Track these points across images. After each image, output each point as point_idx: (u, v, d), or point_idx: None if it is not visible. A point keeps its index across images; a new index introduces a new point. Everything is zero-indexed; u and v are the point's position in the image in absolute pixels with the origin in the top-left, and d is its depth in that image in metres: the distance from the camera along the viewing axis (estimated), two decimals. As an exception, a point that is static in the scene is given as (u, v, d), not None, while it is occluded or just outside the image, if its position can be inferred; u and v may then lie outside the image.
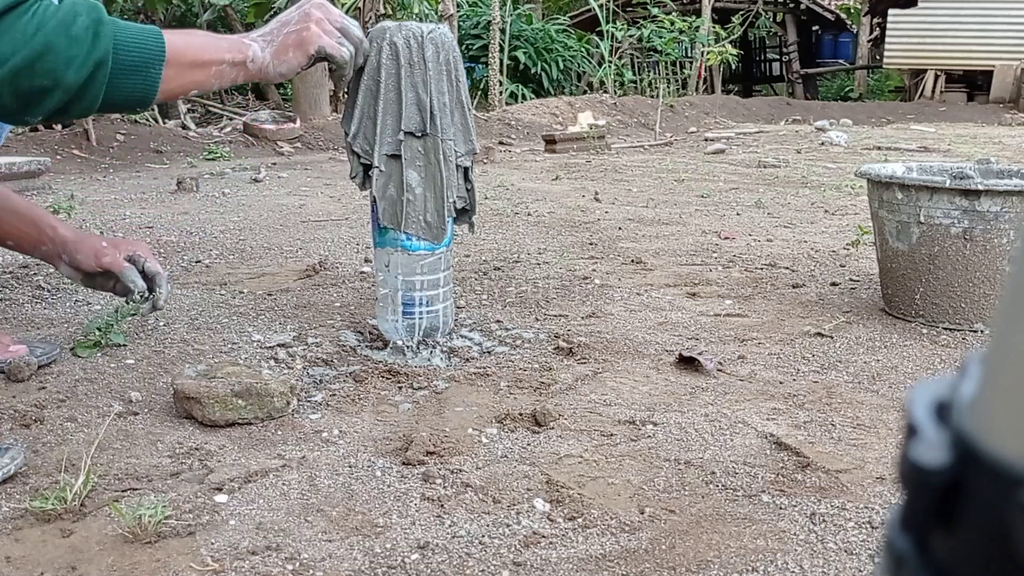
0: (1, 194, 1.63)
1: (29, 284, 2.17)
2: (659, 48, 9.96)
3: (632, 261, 2.53)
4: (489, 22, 9.45)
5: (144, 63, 1.21)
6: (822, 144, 6.76)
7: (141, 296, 1.62)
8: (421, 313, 1.65)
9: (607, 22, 10.81)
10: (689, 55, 12.26)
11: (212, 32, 1.78)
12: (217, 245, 2.69)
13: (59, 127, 5.34)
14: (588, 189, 4.15)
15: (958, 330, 1.84)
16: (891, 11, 12.71)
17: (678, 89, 11.26)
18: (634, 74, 11.47)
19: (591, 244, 2.79)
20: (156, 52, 1.22)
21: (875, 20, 14.85)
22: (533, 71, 10.94)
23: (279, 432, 1.32)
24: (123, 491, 1.13)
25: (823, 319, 1.94)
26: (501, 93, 9.39)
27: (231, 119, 7.11)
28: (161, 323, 1.84)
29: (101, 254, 1.62)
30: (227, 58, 1.32)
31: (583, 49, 11.75)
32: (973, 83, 12.18)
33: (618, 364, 1.65)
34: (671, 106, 9.22)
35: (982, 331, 1.83)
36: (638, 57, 11.92)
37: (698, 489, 1.16)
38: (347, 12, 8.17)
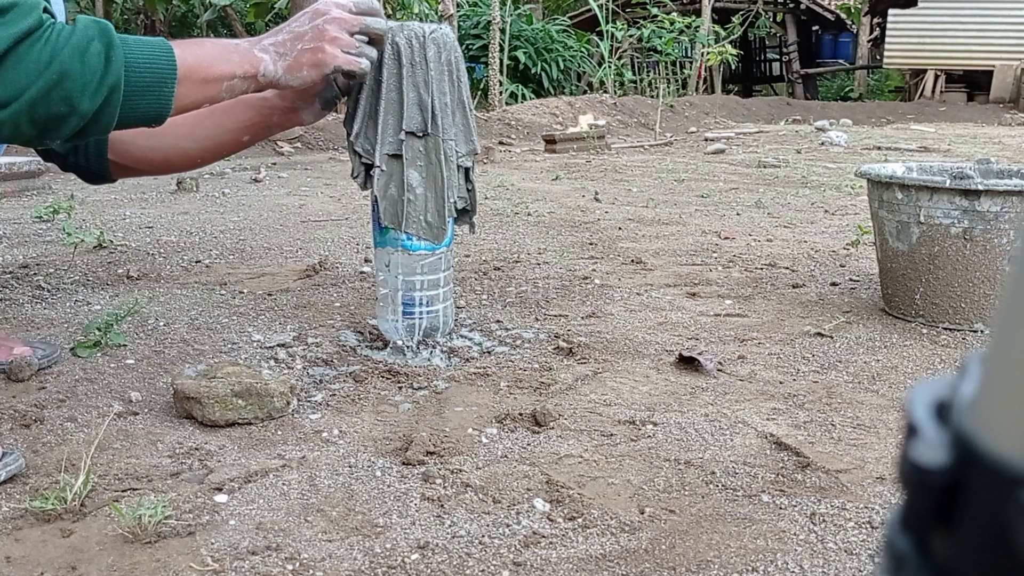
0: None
1: (29, 284, 2.17)
2: (659, 48, 9.95)
3: (632, 261, 2.53)
4: (489, 22, 9.45)
5: (157, 83, 1.21)
6: (822, 144, 6.76)
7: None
8: (421, 313, 1.65)
9: (607, 22, 10.82)
10: (689, 55, 12.28)
11: (216, 37, 1.77)
12: (217, 245, 2.69)
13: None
14: (588, 189, 4.15)
15: (958, 330, 1.84)
16: (891, 11, 12.72)
17: (678, 89, 11.27)
18: (634, 74, 11.48)
19: (591, 244, 2.79)
20: (168, 71, 1.22)
21: (875, 20, 14.86)
22: (533, 71, 10.94)
23: (279, 432, 1.32)
24: (123, 491, 1.13)
25: (823, 319, 1.94)
26: (501, 93, 9.39)
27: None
28: (161, 323, 1.84)
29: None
30: (239, 72, 1.32)
31: (583, 49, 11.75)
32: (973, 83, 12.18)
33: (618, 364, 1.65)
34: (671, 106, 9.22)
35: (982, 331, 1.83)
36: (638, 57, 11.93)
37: (698, 489, 1.16)
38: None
